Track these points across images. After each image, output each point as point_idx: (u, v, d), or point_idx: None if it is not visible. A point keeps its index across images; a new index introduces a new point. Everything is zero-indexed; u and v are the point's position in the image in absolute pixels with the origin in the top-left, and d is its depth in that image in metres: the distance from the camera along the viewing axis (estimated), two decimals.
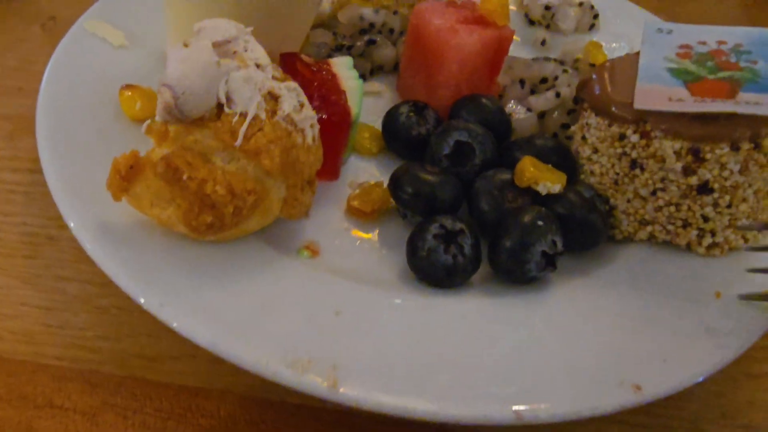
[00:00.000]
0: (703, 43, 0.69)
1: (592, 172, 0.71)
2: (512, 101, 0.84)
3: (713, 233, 0.67)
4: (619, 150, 0.67)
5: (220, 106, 0.60)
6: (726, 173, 0.64)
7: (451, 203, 0.69)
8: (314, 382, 0.53)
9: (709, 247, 0.68)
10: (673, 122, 0.64)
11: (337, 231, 0.72)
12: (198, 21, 0.76)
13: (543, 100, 0.83)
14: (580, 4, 1.02)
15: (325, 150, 0.73)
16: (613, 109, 0.68)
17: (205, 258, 0.62)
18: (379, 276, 0.67)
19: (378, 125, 0.84)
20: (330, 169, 0.77)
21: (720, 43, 0.69)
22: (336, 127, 0.74)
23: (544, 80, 0.85)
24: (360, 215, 0.73)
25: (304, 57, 0.80)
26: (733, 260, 0.69)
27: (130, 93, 0.76)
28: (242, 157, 0.60)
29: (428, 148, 0.75)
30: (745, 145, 0.63)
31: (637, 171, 0.67)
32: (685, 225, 0.67)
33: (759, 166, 0.64)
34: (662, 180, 0.66)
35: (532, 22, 1.05)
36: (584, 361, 0.57)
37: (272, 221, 0.65)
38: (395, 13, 0.96)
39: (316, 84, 0.76)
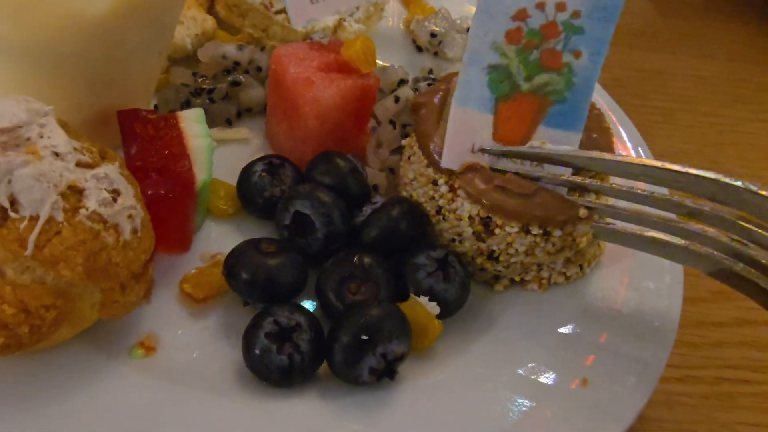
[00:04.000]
0: (542, 6, 0.60)
1: (410, 196, 0.70)
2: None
3: (512, 279, 0.68)
4: (431, 192, 0.67)
5: (4, 210, 0.51)
6: (512, 251, 0.64)
7: (292, 287, 0.63)
8: None
9: (522, 282, 0.68)
10: (477, 187, 0.63)
11: (180, 317, 0.64)
12: (16, 84, 0.67)
13: (382, 108, 0.81)
14: (468, 31, 0.95)
15: (169, 224, 0.66)
16: (432, 153, 0.67)
17: (8, 378, 0.54)
18: (221, 375, 0.60)
19: None
20: (177, 241, 0.69)
21: (559, 7, 0.61)
22: (177, 201, 0.66)
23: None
24: (193, 301, 0.65)
25: (146, 113, 0.71)
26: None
27: None
28: (38, 266, 0.52)
29: (275, 216, 0.68)
30: (535, 230, 0.62)
31: (441, 218, 0.67)
32: (481, 269, 0.68)
33: (546, 252, 0.64)
34: (459, 235, 0.66)
35: (420, 49, 0.98)
36: None
37: (90, 324, 0.58)
38: (262, 49, 0.87)
39: (156, 147, 0.68)
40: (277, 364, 0.57)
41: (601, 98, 0.90)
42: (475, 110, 0.63)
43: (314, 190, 0.66)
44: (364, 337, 0.56)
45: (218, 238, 0.72)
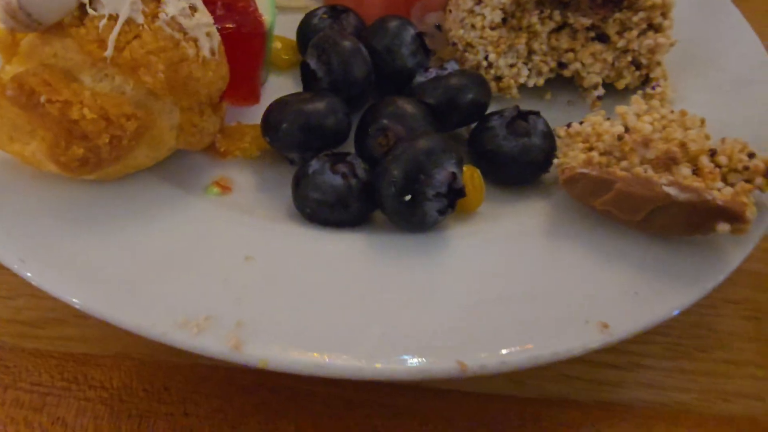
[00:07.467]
0: None
1: (473, 26, 0.67)
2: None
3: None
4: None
5: (82, 8, 0.48)
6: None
7: (333, 131, 0.58)
8: (212, 344, 0.43)
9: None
10: None
11: (252, 163, 0.61)
12: None
13: None
14: None
15: (240, 68, 0.62)
16: None
17: (84, 200, 0.51)
18: (299, 215, 0.57)
19: None
20: (247, 91, 0.66)
21: None
22: (248, 39, 0.62)
23: None
24: (214, 152, 0.60)
25: None
26: None
27: None
28: (117, 74, 0.49)
29: None
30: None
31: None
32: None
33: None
34: None
35: None
36: (538, 301, 0.48)
37: (168, 154, 0.54)
38: None
39: None
40: (332, 184, 0.52)
41: None
42: None
43: (325, 38, 0.61)
44: (418, 169, 0.50)
45: (283, 92, 0.68)
